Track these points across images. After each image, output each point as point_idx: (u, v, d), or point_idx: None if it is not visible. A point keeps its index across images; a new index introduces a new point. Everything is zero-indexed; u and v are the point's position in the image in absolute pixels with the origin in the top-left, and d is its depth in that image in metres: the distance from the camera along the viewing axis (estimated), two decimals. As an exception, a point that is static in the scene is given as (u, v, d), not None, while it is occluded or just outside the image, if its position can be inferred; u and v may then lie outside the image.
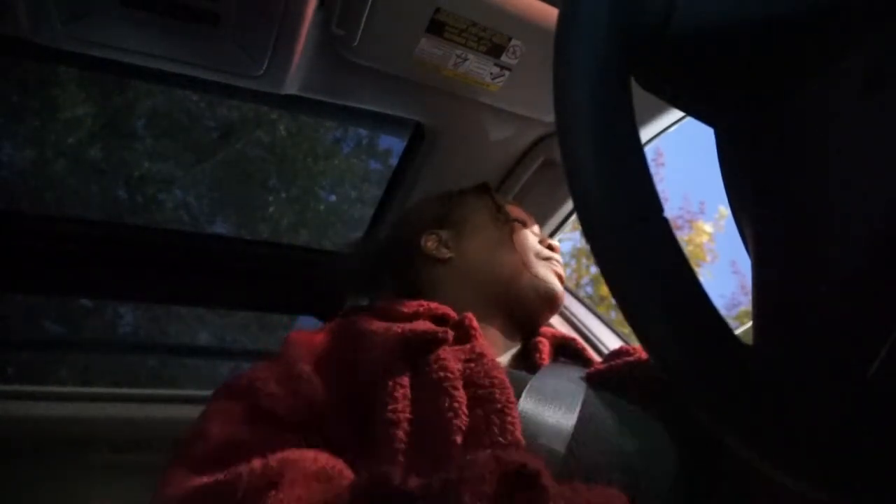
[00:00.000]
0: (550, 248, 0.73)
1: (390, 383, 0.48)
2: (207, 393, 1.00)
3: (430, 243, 0.73)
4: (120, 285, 0.97)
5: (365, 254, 0.83)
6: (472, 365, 0.50)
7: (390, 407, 0.46)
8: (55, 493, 0.90)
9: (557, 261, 0.72)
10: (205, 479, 0.40)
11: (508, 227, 0.72)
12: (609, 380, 0.56)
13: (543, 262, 0.70)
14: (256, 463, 0.39)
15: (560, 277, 0.71)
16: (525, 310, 0.67)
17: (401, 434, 0.44)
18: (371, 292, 0.84)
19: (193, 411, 0.97)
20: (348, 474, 0.40)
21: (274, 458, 0.39)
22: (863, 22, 0.21)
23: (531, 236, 0.73)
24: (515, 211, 0.76)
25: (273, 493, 0.36)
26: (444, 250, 0.72)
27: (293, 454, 0.41)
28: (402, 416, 0.45)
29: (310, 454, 0.41)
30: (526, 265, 0.68)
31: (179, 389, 1.02)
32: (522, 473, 0.33)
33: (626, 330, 0.95)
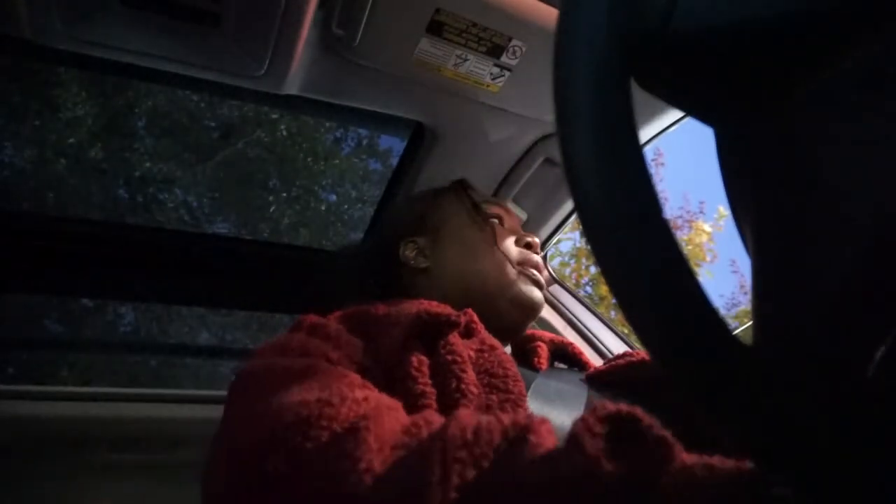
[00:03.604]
0: (529, 245, 0.70)
1: (413, 359, 0.47)
2: (207, 393, 1.00)
3: (407, 252, 0.71)
4: (120, 285, 0.97)
5: (350, 261, 0.81)
6: (486, 355, 0.50)
7: (421, 381, 0.45)
8: (55, 493, 0.90)
9: (536, 264, 0.69)
10: (304, 396, 0.37)
11: (486, 232, 0.69)
12: (611, 380, 0.56)
13: (522, 271, 0.68)
14: (359, 393, 0.38)
15: (538, 283, 0.68)
16: (504, 319, 0.65)
17: (434, 405, 0.44)
18: (360, 299, 0.83)
19: (193, 411, 0.97)
20: (436, 419, 0.37)
21: (371, 397, 0.38)
22: (864, 21, 0.21)
23: (509, 240, 0.70)
24: (492, 207, 0.74)
25: (366, 422, 0.34)
26: (422, 259, 0.71)
27: (385, 398, 0.39)
28: (429, 390, 0.45)
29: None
30: (505, 275, 0.66)
31: (179, 389, 1.01)
32: (630, 421, 0.27)
33: (626, 330, 0.95)
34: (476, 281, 0.66)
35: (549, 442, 0.29)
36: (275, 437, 0.35)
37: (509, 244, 0.69)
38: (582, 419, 0.27)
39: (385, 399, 0.39)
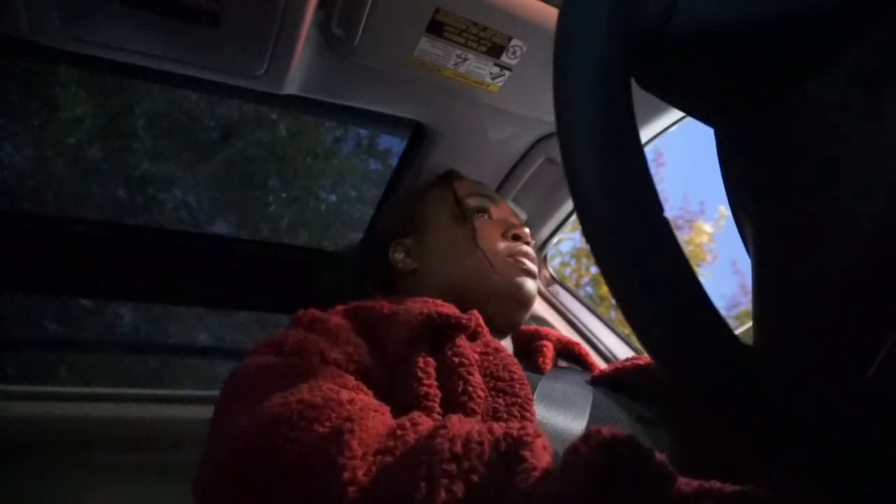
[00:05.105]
0: (517, 237, 0.68)
1: (420, 359, 0.47)
2: (207, 393, 1.00)
3: (396, 254, 0.71)
4: (120, 285, 0.97)
5: (347, 264, 0.81)
6: (490, 358, 0.50)
7: (426, 382, 0.45)
8: (55, 493, 0.90)
9: (525, 253, 0.67)
10: (286, 398, 0.37)
11: (470, 226, 0.68)
12: (616, 383, 0.55)
13: (510, 262, 0.66)
14: (345, 395, 0.37)
15: (529, 273, 0.67)
16: (496, 316, 0.64)
17: (437, 406, 0.43)
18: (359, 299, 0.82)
19: (193, 411, 0.97)
20: (423, 421, 0.36)
21: (358, 399, 0.38)
22: (863, 21, 0.21)
23: (494, 232, 0.68)
24: (476, 199, 0.72)
25: (350, 425, 0.34)
26: (409, 261, 0.70)
27: (372, 400, 0.39)
28: (433, 391, 0.45)
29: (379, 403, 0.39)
30: (491, 268, 0.65)
31: (179, 389, 1.01)
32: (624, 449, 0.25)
33: (627, 330, 0.95)
34: (460, 281, 0.65)
35: (544, 461, 0.28)
36: (255, 440, 0.34)
37: (494, 238, 0.68)
38: (575, 448, 0.26)
39: (372, 402, 0.39)
